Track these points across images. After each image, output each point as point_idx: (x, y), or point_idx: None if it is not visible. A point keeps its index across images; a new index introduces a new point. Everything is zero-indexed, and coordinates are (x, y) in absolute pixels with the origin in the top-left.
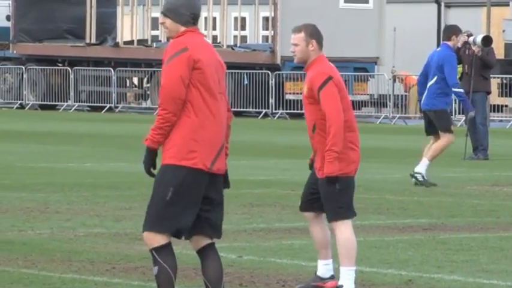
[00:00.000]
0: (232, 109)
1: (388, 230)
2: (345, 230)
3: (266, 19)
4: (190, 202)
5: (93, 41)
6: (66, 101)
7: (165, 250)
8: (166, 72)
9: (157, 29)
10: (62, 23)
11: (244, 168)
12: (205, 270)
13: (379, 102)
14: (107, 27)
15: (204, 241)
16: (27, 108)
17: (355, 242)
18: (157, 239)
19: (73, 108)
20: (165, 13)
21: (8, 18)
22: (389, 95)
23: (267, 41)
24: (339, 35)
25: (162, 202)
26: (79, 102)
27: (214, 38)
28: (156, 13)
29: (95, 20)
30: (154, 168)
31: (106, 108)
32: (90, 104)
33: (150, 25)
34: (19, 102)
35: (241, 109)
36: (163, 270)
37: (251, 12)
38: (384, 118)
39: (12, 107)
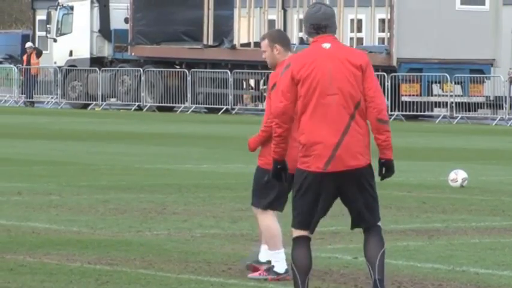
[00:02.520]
0: None
1: (503, 231)
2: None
3: (382, 21)
4: (309, 201)
5: (211, 43)
6: (184, 103)
7: (295, 242)
8: (276, 89)
9: None
10: (179, 25)
11: None
12: (364, 251)
13: (495, 104)
14: (224, 30)
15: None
16: (144, 110)
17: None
18: (292, 232)
19: (190, 110)
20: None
21: (126, 20)
22: (506, 97)
23: (383, 42)
24: (455, 37)
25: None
26: (196, 104)
27: None
28: (273, 15)
29: (212, 22)
30: (286, 180)
31: (223, 110)
32: (207, 106)
33: (267, 27)
34: (137, 104)
35: None
36: (292, 261)
37: (367, 14)
38: (499, 120)
39: (130, 109)
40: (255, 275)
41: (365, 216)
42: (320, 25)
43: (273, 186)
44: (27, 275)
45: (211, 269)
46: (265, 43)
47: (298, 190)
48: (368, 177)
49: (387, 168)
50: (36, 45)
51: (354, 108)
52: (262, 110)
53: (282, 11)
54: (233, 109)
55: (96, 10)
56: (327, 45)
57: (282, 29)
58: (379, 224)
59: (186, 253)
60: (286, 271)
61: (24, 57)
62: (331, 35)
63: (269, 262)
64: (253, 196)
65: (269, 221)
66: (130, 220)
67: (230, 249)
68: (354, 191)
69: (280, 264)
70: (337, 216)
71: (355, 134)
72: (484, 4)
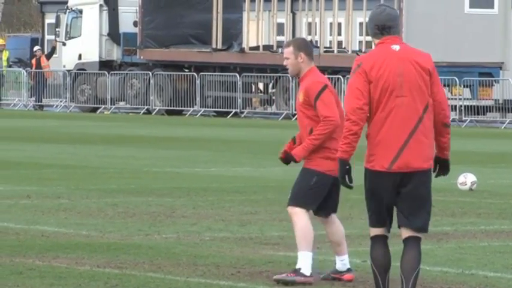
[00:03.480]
0: None
1: None
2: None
3: None
4: (377, 199)
5: (219, 46)
6: (193, 106)
7: (373, 242)
8: (347, 87)
9: (283, 35)
10: (188, 29)
11: None
12: (401, 261)
13: (504, 107)
14: (232, 33)
15: (406, 233)
16: (153, 113)
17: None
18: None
19: (199, 114)
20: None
21: (135, 24)
22: None
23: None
24: (463, 40)
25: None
26: (205, 107)
27: (340, 43)
28: (282, 19)
29: (221, 25)
30: (351, 181)
31: (232, 114)
32: (216, 109)
33: (276, 31)
34: (146, 107)
35: None
36: (371, 261)
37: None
38: (508, 123)
39: (139, 112)
40: (282, 276)
41: (413, 221)
42: (385, 26)
43: (318, 187)
44: (36, 279)
45: (220, 273)
46: (289, 50)
47: (368, 189)
48: (427, 181)
49: (445, 166)
50: (45, 49)
51: (423, 111)
52: (271, 114)
53: (291, 14)
54: (242, 113)
55: (105, 13)
56: (396, 47)
57: (291, 32)
58: (421, 235)
59: (195, 256)
60: (311, 275)
61: (33, 61)
62: (398, 37)
63: (349, 270)
64: (295, 197)
65: (304, 222)
66: (139, 223)
67: (239, 252)
68: (410, 192)
69: (308, 266)
70: (346, 220)
71: (421, 137)
72: (492, 7)
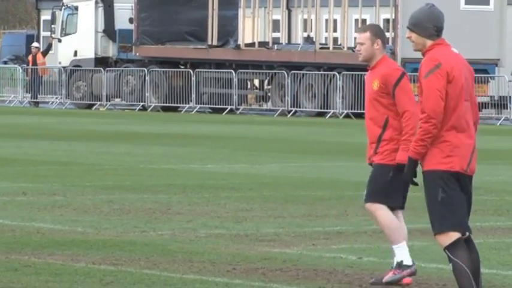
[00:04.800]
0: (353, 111)
1: (508, 231)
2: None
3: (387, 21)
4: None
5: (215, 43)
6: (188, 103)
7: (455, 246)
8: (426, 88)
9: (279, 31)
10: (184, 26)
11: (365, 169)
12: (470, 261)
13: (500, 103)
14: (228, 30)
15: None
16: (149, 110)
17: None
18: (447, 238)
19: (194, 110)
20: (410, 27)
21: (130, 21)
22: (510, 97)
23: (387, 42)
24: (459, 37)
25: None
26: (200, 104)
27: (335, 40)
28: (277, 15)
29: (216, 22)
30: (415, 176)
31: (227, 110)
32: (212, 106)
33: (272, 27)
34: (141, 104)
35: (362, 111)
36: (457, 266)
37: (372, 14)
38: (504, 120)
39: (135, 109)
40: (390, 275)
41: (468, 222)
42: (442, 28)
43: (397, 181)
44: (32, 275)
45: (216, 269)
46: (366, 36)
47: (445, 191)
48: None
49: None
50: (41, 46)
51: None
52: (267, 110)
53: (287, 11)
54: (237, 109)
55: (100, 10)
56: (455, 50)
57: (287, 29)
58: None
59: (191, 253)
60: (414, 262)
61: (30, 58)
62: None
63: (402, 261)
64: (373, 193)
65: (386, 216)
66: (135, 220)
67: (235, 249)
68: (467, 196)
69: (407, 257)
70: (342, 216)
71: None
72: (488, 4)
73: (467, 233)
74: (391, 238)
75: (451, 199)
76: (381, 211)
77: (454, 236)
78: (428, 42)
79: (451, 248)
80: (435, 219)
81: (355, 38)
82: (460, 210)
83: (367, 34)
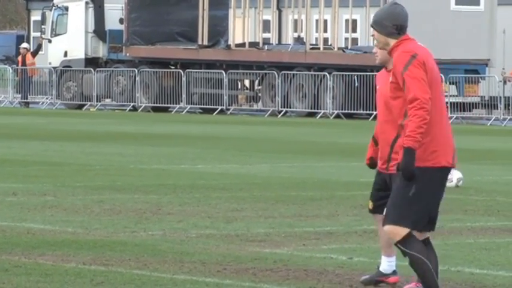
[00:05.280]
0: (343, 111)
1: (498, 231)
2: None
3: None
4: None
5: (206, 43)
6: (178, 103)
7: (409, 239)
8: (409, 79)
9: (269, 32)
10: (174, 26)
11: (356, 169)
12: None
13: (490, 104)
14: (219, 30)
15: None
16: (139, 110)
17: None
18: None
19: (185, 111)
20: (372, 25)
21: (121, 21)
22: (500, 97)
23: None
24: (450, 37)
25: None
26: (191, 104)
27: (326, 40)
28: (268, 15)
29: (207, 22)
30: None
31: (218, 111)
32: (202, 106)
33: (262, 27)
34: (132, 104)
35: (352, 111)
36: (414, 257)
37: (362, 14)
38: (494, 120)
39: (125, 109)
40: (412, 286)
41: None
42: (403, 26)
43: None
44: (22, 276)
45: (206, 270)
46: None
47: (422, 190)
48: None
49: None
50: (31, 46)
51: None
52: (257, 111)
53: (277, 11)
54: (228, 109)
55: (91, 11)
56: (421, 44)
57: (277, 29)
58: None
59: (181, 253)
60: None
61: (19, 58)
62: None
63: (395, 272)
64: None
65: None
66: (125, 220)
67: (225, 249)
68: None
69: None
70: (332, 216)
71: None
72: (478, 4)
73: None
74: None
75: (422, 197)
76: None
77: (406, 230)
78: (392, 41)
79: (404, 241)
80: (395, 211)
81: (346, 39)
82: (426, 209)
83: None
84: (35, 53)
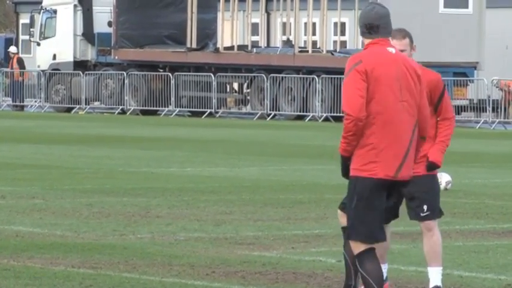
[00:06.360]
0: (332, 114)
1: (487, 234)
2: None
3: None
4: (372, 210)
5: (194, 46)
6: (167, 106)
7: (362, 257)
8: (344, 86)
9: (258, 35)
10: (163, 29)
11: None
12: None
13: (479, 107)
14: (207, 33)
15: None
16: (128, 113)
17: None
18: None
19: (174, 114)
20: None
21: (109, 24)
22: (489, 100)
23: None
24: (438, 40)
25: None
26: (180, 107)
27: (314, 43)
28: (256, 18)
29: (195, 25)
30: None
31: (206, 114)
32: (191, 109)
33: (251, 31)
34: (120, 107)
35: (341, 114)
36: (363, 276)
37: (351, 17)
38: (483, 123)
39: (114, 112)
40: None
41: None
42: (372, 25)
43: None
44: (11, 279)
45: (195, 273)
46: (406, 42)
47: (361, 199)
48: None
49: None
50: (20, 49)
51: (415, 120)
52: (246, 114)
53: (266, 14)
54: (217, 112)
55: (79, 14)
56: (392, 50)
57: (266, 32)
58: None
59: (170, 256)
60: None
61: (10, 62)
62: (388, 40)
63: (386, 279)
64: (437, 208)
65: (438, 233)
66: (114, 224)
67: (214, 252)
68: (395, 202)
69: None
70: (321, 219)
71: (415, 146)
72: (467, 7)
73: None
74: (437, 259)
75: (365, 208)
76: (436, 226)
77: (362, 245)
78: (366, 41)
79: (359, 257)
80: (348, 224)
81: (334, 42)
82: (372, 220)
83: (407, 40)
84: (20, 62)
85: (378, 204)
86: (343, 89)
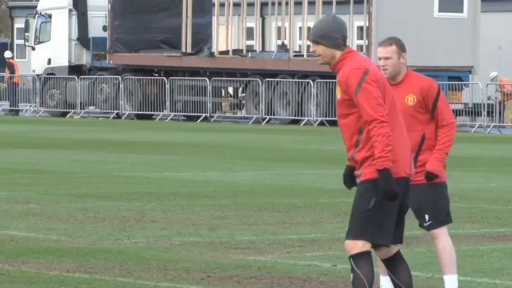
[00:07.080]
0: (327, 118)
1: (482, 238)
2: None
3: (360, 29)
4: (390, 210)
5: (189, 51)
6: (162, 111)
7: (362, 257)
8: (363, 98)
9: (253, 39)
10: (158, 33)
11: (339, 177)
12: (400, 276)
13: (474, 111)
14: (202, 37)
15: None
16: (123, 117)
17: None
18: (357, 246)
19: (169, 118)
20: (317, 40)
21: (104, 28)
22: (484, 104)
23: (361, 50)
24: (433, 44)
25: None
26: (175, 111)
27: (309, 47)
28: (251, 23)
29: (190, 30)
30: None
31: (201, 118)
32: (186, 114)
33: (245, 35)
34: (115, 112)
35: (336, 118)
36: (356, 276)
37: (345, 21)
38: (478, 127)
39: (109, 117)
40: None
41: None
42: (345, 36)
43: (446, 195)
44: (5, 284)
45: (190, 277)
46: (393, 49)
47: (382, 201)
48: None
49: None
50: (15, 53)
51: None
52: (241, 118)
53: (261, 18)
54: (212, 117)
55: (74, 18)
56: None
57: (261, 36)
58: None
59: (165, 261)
60: None
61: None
62: None
63: None
64: (447, 216)
65: (449, 239)
66: (109, 228)
67: (209, 257)
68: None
69: None
70: (316, 223)
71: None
72: (462, 11)
73: (392, 245)
74: (450, 266)
75: (383, 208)
76: (446, 235)
77: (365, 246)
78: (338, 53)
79: (357, 257)
80: (356, 224)
81: None
82: (388, 222)
83: (394, 48)
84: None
85: (395, 206)
86: (362, 101)
